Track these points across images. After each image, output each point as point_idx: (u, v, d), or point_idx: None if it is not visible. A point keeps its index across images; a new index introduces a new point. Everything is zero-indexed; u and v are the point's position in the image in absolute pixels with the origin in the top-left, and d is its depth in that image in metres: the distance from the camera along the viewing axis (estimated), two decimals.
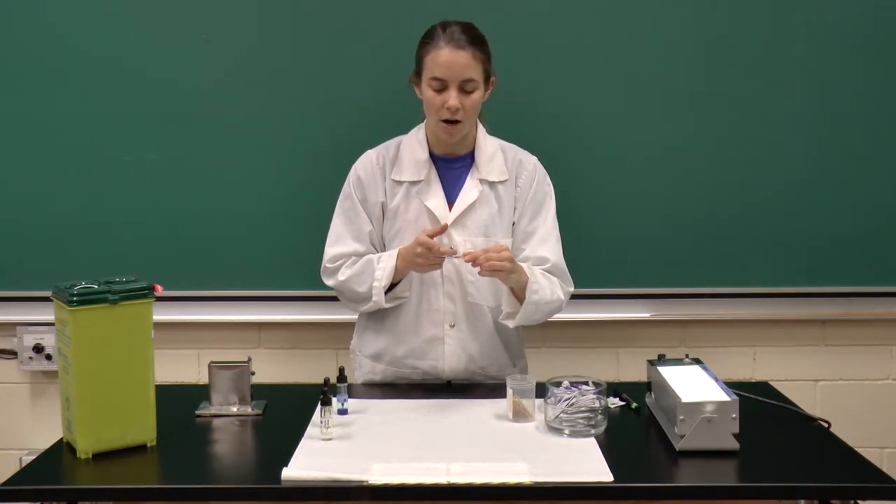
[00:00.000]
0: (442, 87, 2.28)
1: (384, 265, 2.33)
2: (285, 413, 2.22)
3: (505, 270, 2.22)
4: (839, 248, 2.87)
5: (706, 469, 1.88)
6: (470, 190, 2.39)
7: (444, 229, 2.27)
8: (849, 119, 2.83)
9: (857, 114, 2.83)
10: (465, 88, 2.28)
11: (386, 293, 2.35)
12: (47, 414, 3.01)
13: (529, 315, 2.34)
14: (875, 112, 2.83)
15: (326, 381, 2.11)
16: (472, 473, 1.81)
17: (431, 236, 2.24)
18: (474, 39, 2.29)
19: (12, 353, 3.00)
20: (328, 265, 2.41)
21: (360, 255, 2.39)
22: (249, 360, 2.26)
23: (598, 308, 2.92)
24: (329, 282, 2.42)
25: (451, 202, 2.39)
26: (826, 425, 2.14)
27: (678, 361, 2.25)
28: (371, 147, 2.46)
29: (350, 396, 2.22)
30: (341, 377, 2.21)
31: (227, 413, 2.21)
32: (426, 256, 2.23)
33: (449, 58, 2.26)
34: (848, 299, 2.93)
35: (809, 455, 2.00)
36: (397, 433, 2.06)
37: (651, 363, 2.25)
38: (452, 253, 2.24)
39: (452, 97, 2.27)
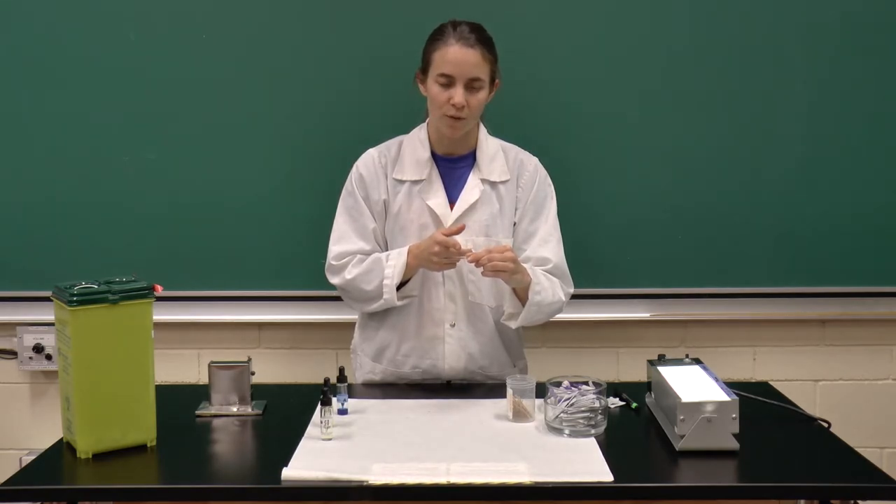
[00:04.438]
0: (449, 83, 2.28)
1: (394, 263, 2.33)
2: (285, 413, 2.22)
3: (508, 271, 2.22)
4: (839, 248, 2.87)
5: (706, 469, 1.88)
6: (471, 189, 2.39)
7: (460, 230, 2.27)
8: (849, 119, 2.83)
9: (858, 114, 2.83)
10: (471, 87, 2.29)
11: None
12: (47, 414, 3.00)
13: (531, 316, 2.34)
14: (875, 112, 2.83)
15: (326, 381, 2.11)
16: (472, 473, 1.81)
17: (447, 236, 2.24)
18: (483, 39, 2.31)
19: (12, 353, 3.00)
20: (333, 263, 2.41)
21: (365, 253, 2.39)
22: (249, 360, 2.26)
23: (598, 308, 2.92)
24: (334, 280, 2.42)
25: (452, 201, 2.39)
26: (826, 425, 2.14)
27: (678, 361, 2.25)
28: (372, 146, 2.47)
29: (350, 396, 2.22)
30: (341, 377, 2.21)
31: (227, 413, 2.21)
32: (443, 255, 2.23)
33: (458, 55, 2.27)
34: (848, 299, 2.93)
35: (809, 455, 2.00)
36: (397, 433, 2.06)
37: (651, 363, 2.25)
38: (468, 253, 2.23)
39: (459, 94, 2.27)
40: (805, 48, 2.81)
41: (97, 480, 1.88)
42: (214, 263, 2.87)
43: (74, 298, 1.92)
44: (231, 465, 2.03)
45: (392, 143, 2.46)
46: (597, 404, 2.05)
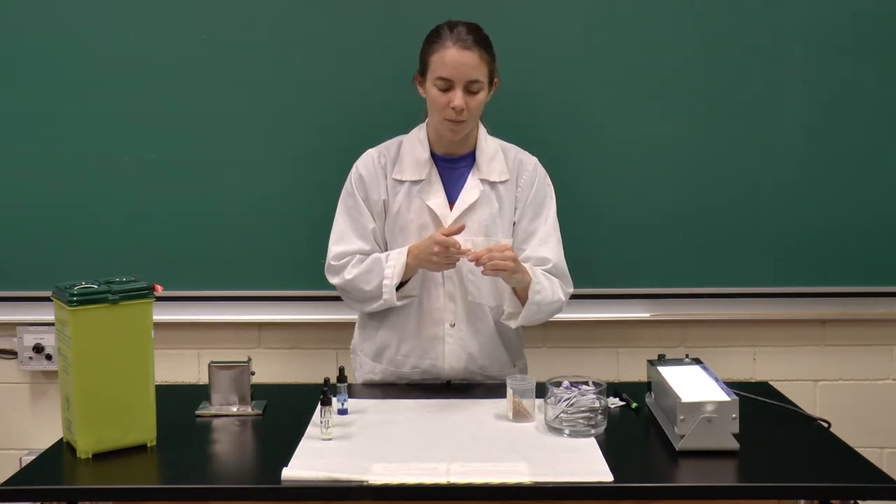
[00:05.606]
0: (447, 86, 2.28)
1: (394, 263, 2.32)
2: (285, 413, 2.22)
3: (508, 270, 2.22)
4: (839, 248, 2.87)
5: (706, 469, 1.88)
6: (471, 189, 2.39)
7: (460, 230, 2.27)
8: (849, 119, 2.83)
9: (858, 114, 2.83)
10: (470, 89, 2.28)
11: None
12: (47, 414, 3.01)
13: (531, 315, 2.34)
14: (875, 112, 2.83)
15: (326, 381, 2.11)
16: (472, 473, 1.81)
17: (447, 236, 2.24)
18: (481, 40, 2.30)
19: (12, 353, 3.00)
20: (333, 263, 2.41)
21: (365, 254, 2.39)
22: (249, 360, 2.26)
23: (598, 308, 2.92)
24: (334, 280, 2.42)
25: (451, 202, 2.39)
26: (826, 425, 2.14)
27: (678, 361, 2.25)
28: (372, 146, 2.47)
29: (350, 396, 2.22)
30: (341, 377, 2.21)
31: (227, 413, 2.21)
32: (442, 255, 2.23)
33: (456, 58, 2.26)
34: (848, 299, 2.93)
35: (809, 455, 2.00)
36: (397, 433, 2.06)
37: (651, 363, 2.25)
38: (467, 252, 2.24)
39: (458, 97, 2.27)
40: (806, 49, 2.81)
41: (97, 480, 1.88)
42: (214, 263, 2.87)
43: (74, 298, 1.92)
44: (231, 465, 2.03)
45: (391, 144, 2.46)
46: (597, 404, 2.05)
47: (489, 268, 2.21)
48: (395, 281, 2.32)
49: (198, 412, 2.21)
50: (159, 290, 2.01)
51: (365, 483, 1.78)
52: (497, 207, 2.41)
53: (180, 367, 2.96)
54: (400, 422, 2.14)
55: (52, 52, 2.80)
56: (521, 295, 2.34)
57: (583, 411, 2.03)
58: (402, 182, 2.40)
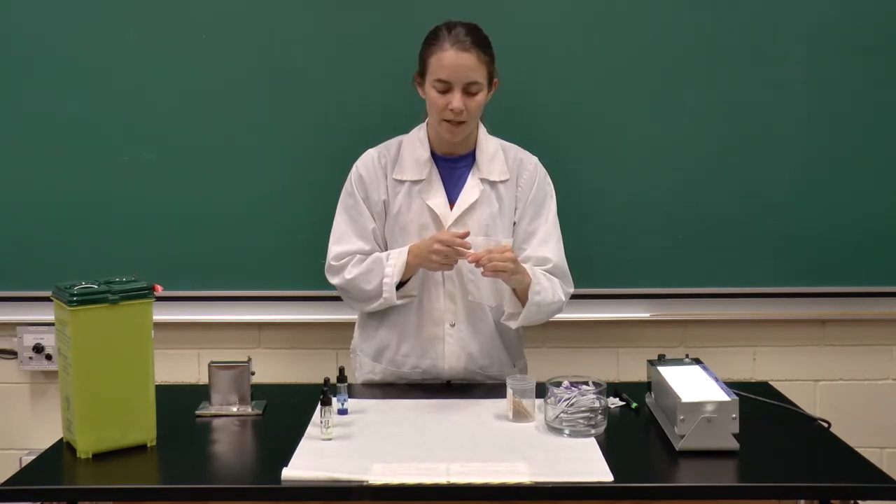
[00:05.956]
0: (446, 88, 2.28)
1: (394, 262, 2.32)
2: (285, 413, 2.22)
3: (508, 271, 2.22)
4: (839, 248, 2.87)
5: (706, 469, 1.88)
6: (471, 189, 2.39)
7: (464, 236, 2.27)
8: (849, 119, 2.83)
9: (858, 113, 2.83)
10: (469, 90, 2.28)
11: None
12: (47, 414, 3.01)
13: (531, 316, 2.34)
14: (875, 112, 2.83)
15: (326, 381, 2.11)
16: (472, 473, 1.81)
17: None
18: (479, 41, 2.29)
19: (12, 353, 3.00)
20: (333, 263, 2.41)
21: (365, 253, 2.39)
22: (249, 360, 2.26)
23: (598, 308, 2.92)
24: (334, 280, 2.42)
25: (452, 201, 2.39)
26: (826, 425, 2.14)
27: (678, 361, 2.25)
28: (372, 146, 2.47)
29: (350, 396, 2.22)
30: (341, 377, 2.21)
31: (227, 413, 2.21)
32: (443, 254, 2.23)
33: (454, 60, 2.26)
34: (848, 299, 2.93)
35: (809, 455, 2.00)
36: (397, 433, 2.06)
37: (651, 363, 2.25)
38: (467, 254, 2.23)
39: (456, 99, 2.27)
40: (806, 49, 2.81)
41: (97, 480, 1.88)
42: (214, 263, 2.87)
43: (74, 298, 1.92)
44: (231, 465, 2.03)
45: (392, 143, 2.46)
46: (597, 404, 2.05)
47: (489, 269, 2.21)
48: (396, 279, 2.32)
49: (198, 412, 2.21)
50: (159, 290, 2.01)
51: (365, 483, 1.79)
52: (497, 207, 2.40)
53: (180, 367, 2.96)
54: (400, 422, 2.14)
55: (52, 53, 2.80)
56: (521, 295, 2.34)
57: (583, 411, 2.03)
58: (402, 182, 2.40)
